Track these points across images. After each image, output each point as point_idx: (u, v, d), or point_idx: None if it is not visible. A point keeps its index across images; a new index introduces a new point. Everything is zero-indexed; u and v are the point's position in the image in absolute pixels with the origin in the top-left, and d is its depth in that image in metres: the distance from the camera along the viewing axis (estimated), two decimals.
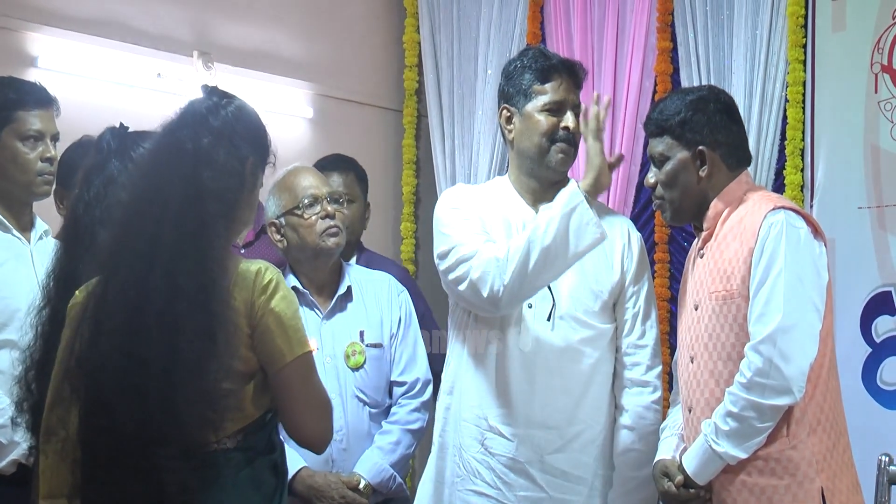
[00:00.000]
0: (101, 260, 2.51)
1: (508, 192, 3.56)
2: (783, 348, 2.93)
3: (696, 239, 3.30)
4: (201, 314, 2.39)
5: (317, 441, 2.65)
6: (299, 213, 3.66)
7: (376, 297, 3.82)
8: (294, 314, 2.55)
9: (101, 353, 2.42)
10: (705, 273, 3.17)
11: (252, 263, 2.55)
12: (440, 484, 3.50)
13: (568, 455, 3.40)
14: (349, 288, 3.77)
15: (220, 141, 2.51)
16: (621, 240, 3.49)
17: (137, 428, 2.37)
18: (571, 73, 3.48)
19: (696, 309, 3.18)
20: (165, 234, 2.42)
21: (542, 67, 3.48)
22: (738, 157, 3.25)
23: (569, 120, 3.44)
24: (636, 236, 3.54)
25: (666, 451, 3.27)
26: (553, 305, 3.41)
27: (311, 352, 2.59)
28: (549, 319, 3.41)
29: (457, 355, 3.52)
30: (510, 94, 3.50)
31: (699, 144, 3.19)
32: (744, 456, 3.00)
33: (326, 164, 4.51)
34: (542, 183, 3.50)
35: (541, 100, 3.46)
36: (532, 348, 3.41)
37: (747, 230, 3.07)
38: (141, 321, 2.39)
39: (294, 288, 3.69)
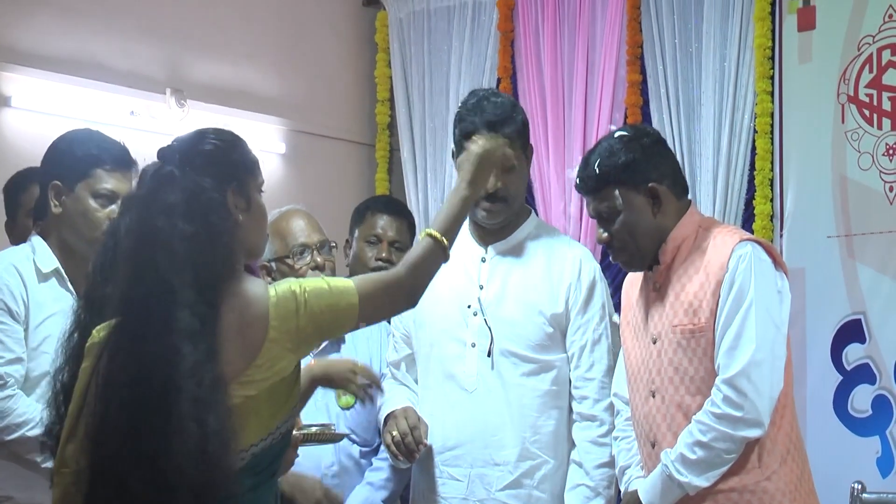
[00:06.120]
0: (102, 338, 2.53)
1: (464, 233, 3.54)
2: (757, 382, 2.92)
3: (648, 272, 3.21)
4: (180, 380, 2.38)
5: None
6: (290, 262, 3.67)
7: (367, 338, 3.81)
8: (328, 288, 2.59)
9: (107, 414, 2.44)
10: (665, 306, 3.12)
11: (279, 285, 2.57)
12: None
13: (520, 491, 3.38)
14: None
15: (174, 211, 2.50)
16: (570, 272, 3.45)
17: (142, 489, 2.39)
18: (494, 130, 3.34)
19: (655, 342, 3.12)
20: (153, 315, 2.44)
21: (468, 125, 3.40)
22: (682, 184, 3.20)
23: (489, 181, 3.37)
24: (588, 267, 3.48)
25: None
26: (491, 342, 3.42)
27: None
28: (489, 356, 3.41)
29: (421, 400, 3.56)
30: (455, 140, 3.48)
31: (648, 182, 3.10)
32: (706, 485, 2.98)
33: (380, 206, 4.46)
34: (484, 226, 3.52)
35: None
36: (476, 387, 3.42)
37: (713, 263, 3.04)
38: (136, 393, 2.41)
39: None
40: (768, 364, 2.96)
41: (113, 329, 2.51)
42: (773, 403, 2.96)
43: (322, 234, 3.75)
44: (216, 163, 2.61)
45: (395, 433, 3.41)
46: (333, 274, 3.71)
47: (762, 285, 3.00)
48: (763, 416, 2.94)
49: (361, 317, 2.62)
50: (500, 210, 3.44)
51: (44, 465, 3.21)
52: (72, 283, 3.41)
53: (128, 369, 2.44)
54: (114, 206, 3.37)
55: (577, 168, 3.29)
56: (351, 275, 4.37)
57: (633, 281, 3.32)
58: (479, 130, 3.35)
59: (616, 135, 3.20)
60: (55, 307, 3.34)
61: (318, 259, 3.67)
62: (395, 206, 4.53)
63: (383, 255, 4.27)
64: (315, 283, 2.62)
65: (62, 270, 3.40)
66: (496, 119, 3.38)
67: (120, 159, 3.43)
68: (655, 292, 3.16)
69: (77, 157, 3.39)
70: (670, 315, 3.09)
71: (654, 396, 3.11)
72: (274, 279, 3.70)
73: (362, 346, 3.77)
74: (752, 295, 2.97)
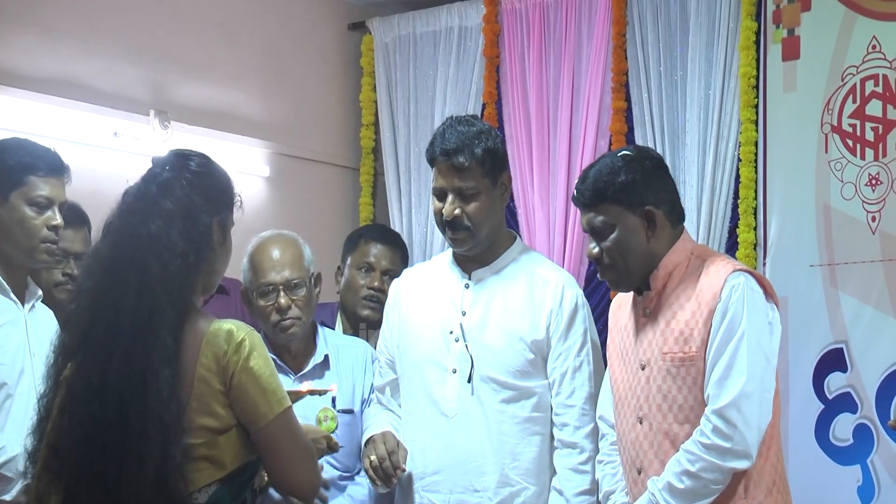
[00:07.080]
0: (71, 347, 2.53)
1: (446, 263, 3.59)
2: (746, 414, 2.92)
3: (638, 297, 3.21)
4: (152, 403, 2.40)
5: (306, 491, 2.65)
6: (255, 300, 3.64)
7: (351, 364, 3.77)
8: (271, 373, 2.57)
9: (68, 439, 2.46)
10: (655, 333, 3.11)
11: (224, 322, 2.56)
12: None
13: None
14: (326, 357, 3.73)
15: (173, 221, 2.52)
16: (552, 298, 3.45)
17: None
18: (448, 159, 3.39)
19: (644, 369, 3.11)
20: (123, 323, 2.45)
21: (428, 153, 3.46)
22: (679, 212, 3.19)
23: (445, 208, 3.41)
24: (571, 294, 3.47)
25: None
26: (472, 367, 3.42)
27: (290, 407, 2.60)
28: (469, 381, 3.41)
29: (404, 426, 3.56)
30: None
31: (645, 205, 3.09)
32: None
33: (374, 234, 4.45)
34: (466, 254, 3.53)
35: (433, 182, 3.48)
36: (456, 413, 3.42)
37: (705, 292, 3.03)
38: (100, 408, 2.42)
39: None
40: (758, 396, 2.95)
41: (84, 337, 2.49)
42: (761, 435, 2.96)
43: (296, 271, 3.64)
44: (208, 187, 2.62)
45: (373, 458, 3.40)
46: (304, 310, 3.64)
47: (754, 317, 2.99)
48: (751, 448, 2.93)
49: (266, 432, 2.55)
50: (465, 238, 3.44)
51: (1, 497, 3.15)
52: (14, 294, 3.37)
53: (94, 384, 2.43)
54: (50, 213, 3.35)
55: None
56: (342, 302, 4.34)
57: (622, 304, 3.31)
58: (436, 158, 3.41)
59: (619, 153, 3.18)
60: (1, 319, 3.30)
61: (282, 301, 3.58)
62: (390, 236, 4.51)
63: (375, 283, 4.24)
64: (266, 368, 2.58)
65: (3, 281, 3.35)
66: (451, 148, 3.38)
67: (53, 165, 3.39)
68: (645, 318, 3.15)
69: (9, 166, 3.34)
70: (660, 342, 3.08)
71: (641, 423, 3.10)
72: (250, 307, 3.68)
73: (346, 374, 3.75)
74: (744, 326, 2.96)
